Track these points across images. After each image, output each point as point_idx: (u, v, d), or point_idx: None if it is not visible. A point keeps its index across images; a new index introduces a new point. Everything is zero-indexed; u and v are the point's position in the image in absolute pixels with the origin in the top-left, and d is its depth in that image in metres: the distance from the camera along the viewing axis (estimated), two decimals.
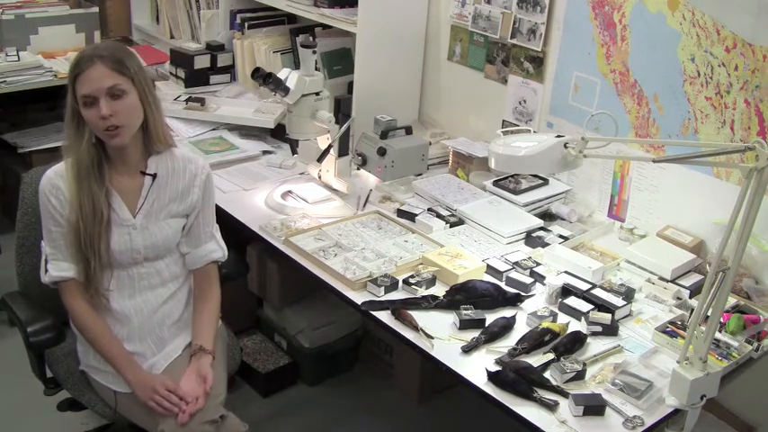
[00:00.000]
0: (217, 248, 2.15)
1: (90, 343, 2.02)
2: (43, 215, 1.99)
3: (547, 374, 1.84)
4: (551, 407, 1.73)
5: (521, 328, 2.01)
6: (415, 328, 1.98)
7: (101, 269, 1.98)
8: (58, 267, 1.99)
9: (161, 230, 2.04)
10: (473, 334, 1.96)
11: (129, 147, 1.98)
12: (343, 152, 2.66)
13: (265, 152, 3.02)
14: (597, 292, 2.13)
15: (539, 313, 2.04)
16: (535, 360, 1.88)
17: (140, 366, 2.01)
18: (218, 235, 2.17)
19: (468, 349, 1.91)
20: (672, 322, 2.05)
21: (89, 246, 1.94)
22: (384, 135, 2.69)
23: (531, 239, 2.42)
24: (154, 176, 2.02)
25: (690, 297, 2.17)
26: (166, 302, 2.09)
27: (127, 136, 1.93)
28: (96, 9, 4.03)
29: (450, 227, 2.49)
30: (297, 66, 3.04)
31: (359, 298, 2.11)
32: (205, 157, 2.70)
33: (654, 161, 1.97)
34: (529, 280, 2.19)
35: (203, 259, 2.13)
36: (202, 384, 1.97)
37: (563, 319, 2.05)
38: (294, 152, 2.83)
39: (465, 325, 2.00)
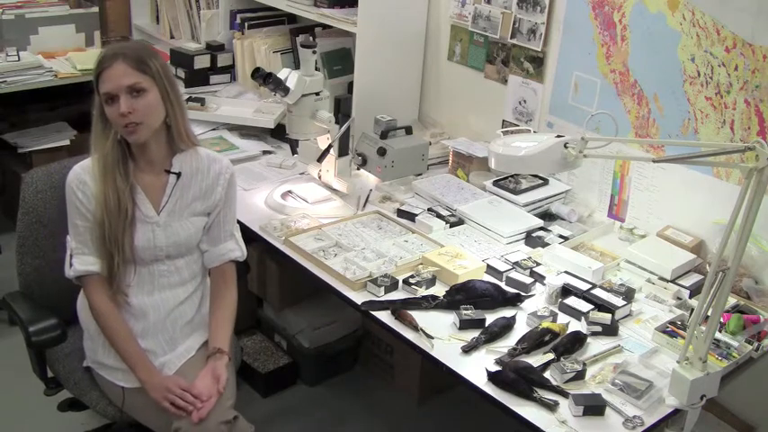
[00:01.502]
0: (236, 248, 2.17)
1: (108, 338, 2.02)
2: (69, 209, 2.00)
3: (547, 374, 1.84)
4: (551, 407, 1.73)
5: (521, 328, 2.01)
6: (415, 328, 1.98)
7: (123, 264, 2.00)
8: (83, 261, 2.00)
9: (184, 228, 2.06)
10: (473, 334, 1.96)
11: (151, 145, 2.00)
12: (343, 152, 2.66)
13: (265, 152, 3.02)
14: (597, 292, 2.13)
15: (539, 313, 2.04)
16: (535, 360, 1.88)
17: (154, 367, 2.02)
18: (238, 234, 2.19)
19: (468, 349, 1.91)
20: (672, 322, 2.05)
21: (113, 241, 1.96)
22: (384, 135, 2.69)
23: (531, 239, 2.42)
24: (178, 175, 2.04)
25: (690, 297, 2.17)
26: (183, 303, 2.11)
27: (145, 133, 1.95)
28: (96, 9, 4.03)
29: (451, 227, 2.49)
30: (297, 66, 3.04)
31: (359, 298, 2.11)
32: None
33: (654, 161, 1.97)
34: (529, 280, 2.19)
35: (222, 258, 2.15)
36: (216, 384, 1.98)
37: (563, 319, 2.05)
38: (294, 152, 2.84)
39: (465, 325, 2.00)
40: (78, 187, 1.98)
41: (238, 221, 2.47)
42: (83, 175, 1.98)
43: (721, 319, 1.95)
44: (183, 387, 1.95)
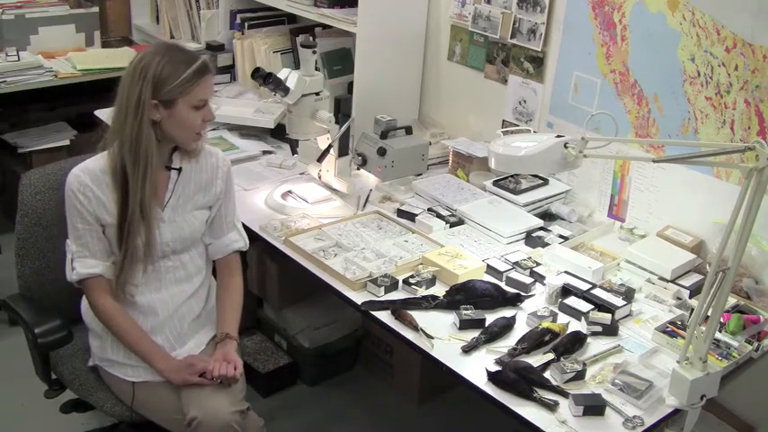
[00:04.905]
0: (239, 238, 2.21)
1: (118, 338, 2.03)
2: (69, 213, 2.00)
3: (547, 374, 1.84)
4: (551, 407, 1.73)
5: (521, 328, 2.01)
6: (415, 328, 1.98)
7: (134, 263, 2.01)
8: (84, 265, 2.00)
9: (188, 223, 2.09)
10: (473, 334, 1.96)
11: (164, 144, 2.02)
12: (343, 152, 2.65)
13: (265, 152, 3.02)
14: (597, 292, 2.13)
15: (539, 313, 2.04)
16: (535, 360, 1.88)
17: (170, 355, 2.05)
18: (240, 225, 2.23)
19: (468, 349, 1.91)
20: (672, 322, 2.05)
21: (134, 238, 1.97)
22: (384, 135, 2.69)
23: (531, 239, 2.42)
24: (179, 170, 2.06)
25: (690, 297, 2.17)
26: (190, 298, 2.13)
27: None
28: (96, 9, 4.03)
29: (451, 227, 2.48)
30: (297, 66, 3.04)
31: (359, 298, 2.11)
32: None
33: (654, 161, 1.97)
34: (529, 280, 2.19)
35: (226, 249, 2.19)
36: (228, 367, 2.01)
37: (563, 319, 2.05)
38: (294, 152, 2.84)
39: (465, 325, 2.00)
40: (80, 190, 1.97)
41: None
42: (83, 178, 1.98)
43: (721, 319, 1.95)
44: (204, 360, 2.01)
